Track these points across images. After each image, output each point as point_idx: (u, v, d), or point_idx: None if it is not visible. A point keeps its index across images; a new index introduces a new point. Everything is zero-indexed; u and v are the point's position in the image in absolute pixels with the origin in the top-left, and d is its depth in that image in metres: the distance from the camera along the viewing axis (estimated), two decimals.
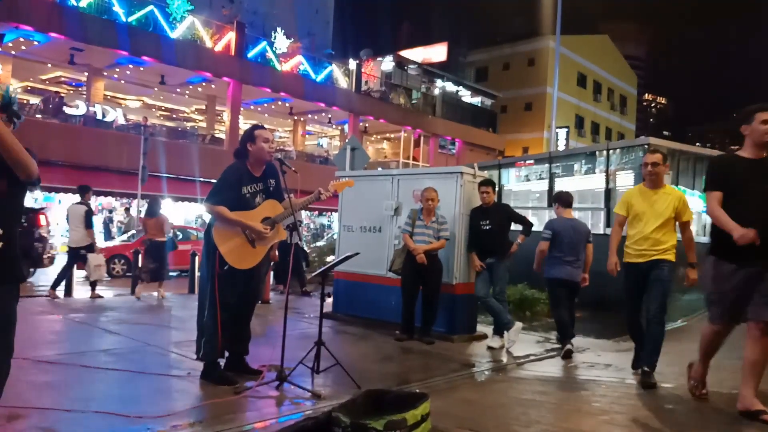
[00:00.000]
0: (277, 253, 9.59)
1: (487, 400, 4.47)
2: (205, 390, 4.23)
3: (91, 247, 9.29)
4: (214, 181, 4.54)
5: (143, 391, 4.14)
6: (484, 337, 7.04)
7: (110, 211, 21.98)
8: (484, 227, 6.61)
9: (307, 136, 32.33)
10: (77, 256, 9.28)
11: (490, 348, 6.46)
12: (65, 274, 9.36)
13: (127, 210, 19.81)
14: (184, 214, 22.93)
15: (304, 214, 25.67)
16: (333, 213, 26.42)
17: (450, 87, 34.83)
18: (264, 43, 24.47)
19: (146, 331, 6.42)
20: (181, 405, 3.82)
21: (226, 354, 4.57)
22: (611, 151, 10.91)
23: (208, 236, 4.42)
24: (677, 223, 4.86)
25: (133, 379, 4.41)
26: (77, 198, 9.53)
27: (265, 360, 4.68)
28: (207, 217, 5.35)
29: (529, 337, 7.16)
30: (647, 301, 4.81)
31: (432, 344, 6.39)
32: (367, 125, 31.65)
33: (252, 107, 27.83)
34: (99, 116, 20.02)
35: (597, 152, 11.62)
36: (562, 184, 12.95)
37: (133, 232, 16.37)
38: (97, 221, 21.22)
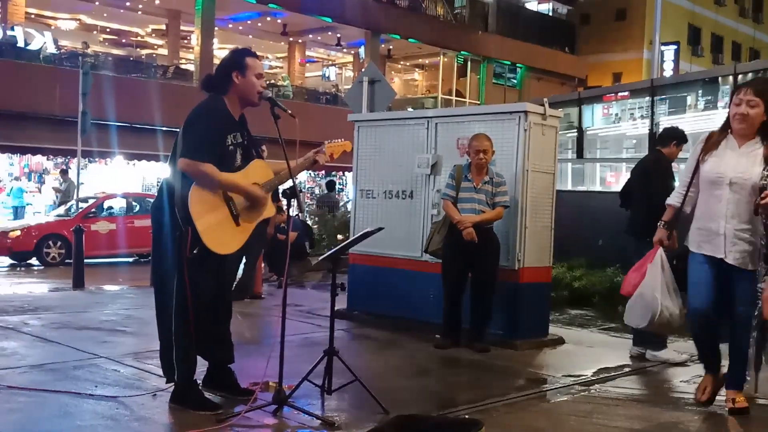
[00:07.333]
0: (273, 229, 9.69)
1: (563, 429, 4.49)
2: (178, 418, 4.31)
3: None
4: (177, 130, 4.51)
5: (91, 420, 4.21)
6: (560, 342, 7.03)
7: (40, 175, 22.28)
8: None
9: (307, 65, 32.22)
10: None
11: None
12: None
13: (63, 173, 20.05)
14: (140, 177, 23.14)
15: (304, 175, 25.71)
16: (346, 173, 26.41)
17: None
18: None
19: (93, 338, 6.53)
20: None
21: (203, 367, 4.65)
22: (741, 77, 10.69)
23: (168, 210, 4.36)
24: None
25: (78, 405, 4.48)
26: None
27: (257, 376, 4.73)
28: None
29: (627, 342, 6.99)
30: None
31: (486, 352, 6.43)
32: (391, 47, 31.37)
33: (230, 25, 27.74)
34: (20, 43, 20.13)
35: (720, 78, 11.43)
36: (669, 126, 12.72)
37: (73, 203, 16.58)
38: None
